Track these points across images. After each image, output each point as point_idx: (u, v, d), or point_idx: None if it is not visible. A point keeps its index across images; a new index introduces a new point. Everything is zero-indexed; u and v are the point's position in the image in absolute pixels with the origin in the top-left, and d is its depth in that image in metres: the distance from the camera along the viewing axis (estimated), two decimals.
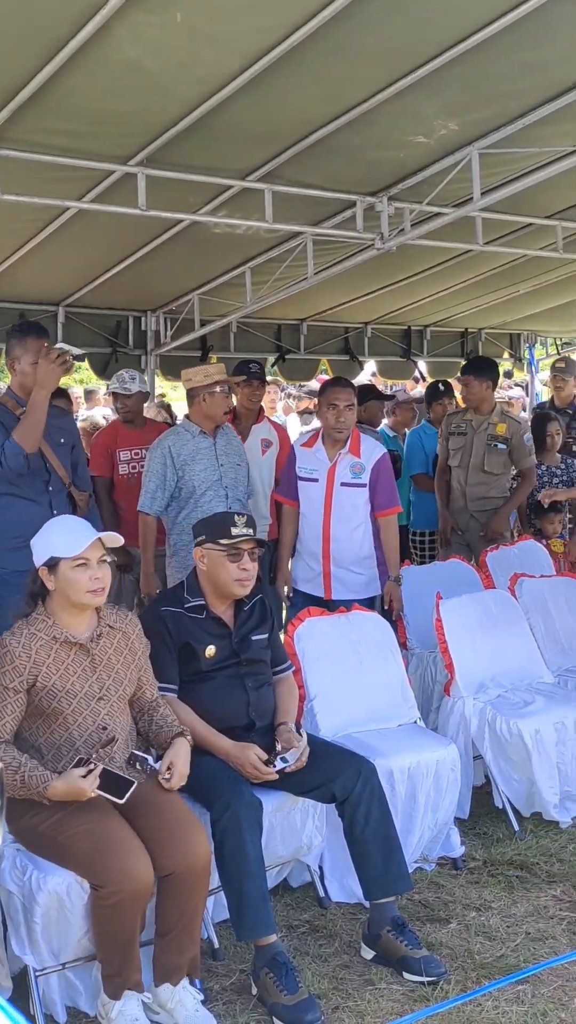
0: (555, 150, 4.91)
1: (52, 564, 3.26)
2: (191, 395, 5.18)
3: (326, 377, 10.86)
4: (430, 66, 4.00)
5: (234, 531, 3.72)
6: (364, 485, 5.07)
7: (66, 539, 3.28)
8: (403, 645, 5.46)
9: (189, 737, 3.43)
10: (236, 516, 3.79)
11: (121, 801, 3.09)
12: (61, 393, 5.61)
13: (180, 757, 3.32)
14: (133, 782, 3.12)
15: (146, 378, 7.78)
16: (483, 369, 6.51)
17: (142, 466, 5.95)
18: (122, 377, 6.19)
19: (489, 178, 5.15)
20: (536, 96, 4.50)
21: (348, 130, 4.49)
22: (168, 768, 3.28)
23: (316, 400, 5.47)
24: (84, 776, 3.04)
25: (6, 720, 3.18)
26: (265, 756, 3.56)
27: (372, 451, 5.14)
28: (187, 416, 5.28)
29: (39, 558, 3.31)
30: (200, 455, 5.11)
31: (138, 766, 3.27)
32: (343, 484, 5.07)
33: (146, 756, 3.30)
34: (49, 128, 4.18)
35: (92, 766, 3.08)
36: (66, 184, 4.77)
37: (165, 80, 3.87)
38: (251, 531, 3.77)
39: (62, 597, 3.27)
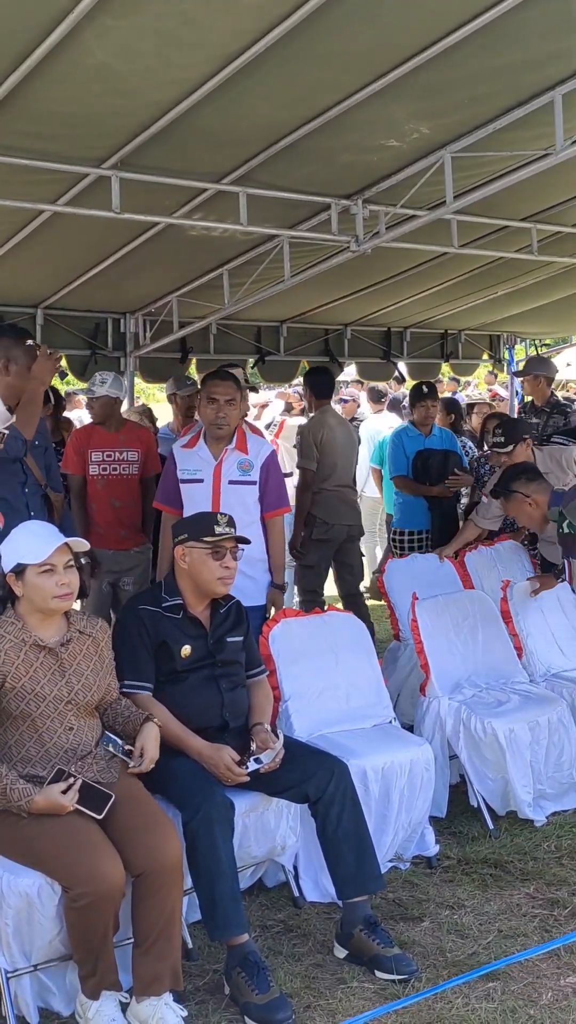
0: (527, 153, 4.94)
1: (19, 571, 3.27)
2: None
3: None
4: (400, 70, 4.02)
5: (217, 529, 3.74)
6: (254, 483, 4.77)
7: (32, 545, 3.28)
8: (396, 636, 5.52)
9: (156, 720, 3.45)
10: (218, 516, 3.82)
11: (99, 816, 3.12)
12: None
13: (150, 740, 3.36)
14: (111, 796, 3.15)
15: (124, 380, 7.81)
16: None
17: (113, 468, 6.01)
18: (93, 380, 6.21)
19: (462, 181, 5.18)
20: (507, 100, 4.53)
21: (320, 134, 4.50)
22: (140, 754, 3.31)
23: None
24: (64, 791, 3.07)
25: None
26: (239, 757, 3.58)
27: (260, 448, 4.86)
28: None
29: (6, 564, 3.32)
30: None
31: (110, 748, 3.30)
32: (231, 482, 4.75)
33: (114, 738, 3.33)
34: (21, 131, 4.18)
35: (71, 780, 3.10)
36: (40, 187, 4.77)
37: (135, 83, 3.88)
38: (232, 530, 3.79)
39: (30, 603, 3.28)
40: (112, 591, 6.01)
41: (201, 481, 4.79)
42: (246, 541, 3.87)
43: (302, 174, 5.05)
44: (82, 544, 3.35)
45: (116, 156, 4.55)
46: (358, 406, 12.52)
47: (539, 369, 7.69)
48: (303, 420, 8.51)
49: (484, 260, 7.17)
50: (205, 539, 3.74)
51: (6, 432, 4.25)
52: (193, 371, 8.49)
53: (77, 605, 4.14)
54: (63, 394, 7.46)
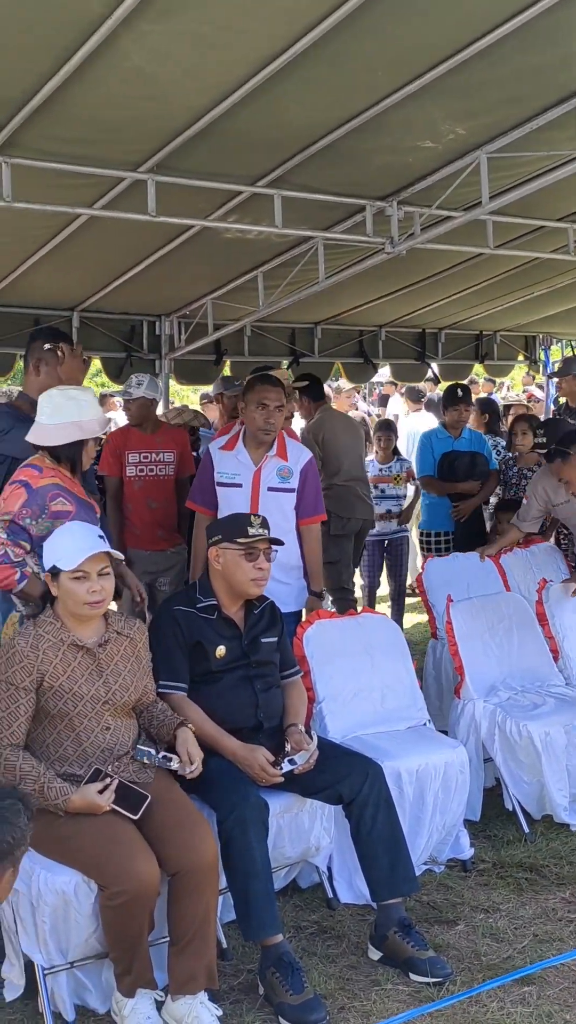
0: (564, 153, 4.92)
1: (54, 572, 3.30)
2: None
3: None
4: (436, 71, 4.02)
5: (251, 531, 3.76)
6: (292, 490, 4.70)
7: (68, 550, 3.30)
8: (433, 635, 5.52)
9: (190, 724, 3.47)
10: (252, 517, 3.84)
11: (135, 817, 3.14)
12: None
13: (192, 744, 3.38)
14: (147, 796, 3.17)
15: (159, 382, 7.85)
16: None
17: (150, 470, 6.04)
18: (129, 382, 6.25)
19: (498, 181, 5.15)
20: (543, 99, 4.51)
21: (356, 135, 4.51)
22: (189, 760, 3.33)
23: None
24: (100, 791, 3.11)
25: (20, 721, 3.22)
26: (273, 758, 3.59)
27: (299, 455, 4.80)
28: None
29: (45, 564, 3.35)
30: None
31: (145, 760, 3.32)
32: (270, 489, 4.68)
33: (149, 749, 3.34)
34: (59, 136, 4.23)
35: (108, 780, 3.13)
36: (77, 191, 4.81)
37: (172, 88, 3.90)
38: (266, 531, 3.80)
39: (64, 605, 3.32)
40: (149, 591, 6.05)
41: (240, 486, 4.72)
42: (279, 543, 3.88)
43: (337, 176, 5.06)
44: (116, 555, 3.37)
45: (152, 160, 4.59)
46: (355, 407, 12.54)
47: None
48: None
49: (520, 260, 7.13)
50: (239, 540, 3.75)
51: (103, 437, 4.22)
52: (227, 372, 8.52)
53: (114, 606, 4.18)
54: (99, 395, 7.51)
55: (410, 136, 4.67)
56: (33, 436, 3.74)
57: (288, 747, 3.64)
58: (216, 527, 3.93)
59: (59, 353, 4.30)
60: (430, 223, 5.53)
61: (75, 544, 3.31)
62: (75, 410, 3.73)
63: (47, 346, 4.31)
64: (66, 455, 3.75)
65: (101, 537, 3.39)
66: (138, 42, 3.51)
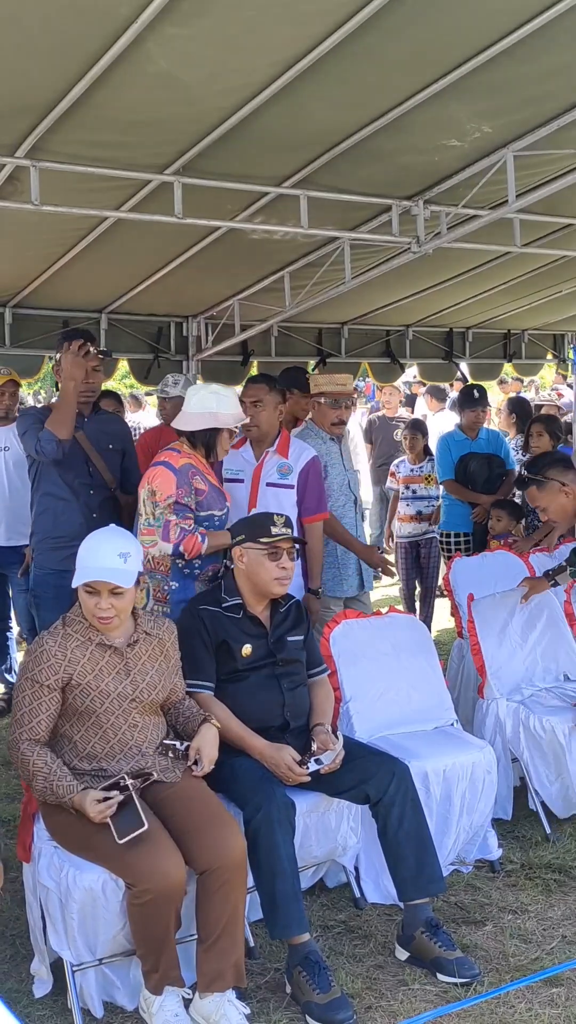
0: None
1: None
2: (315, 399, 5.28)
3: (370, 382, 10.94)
4: (461, 70, 4.02)
5: (274, 530, 3.78)
6: (292, 486, 4.81)
7: (83, 562, 3.30)
8: (459, 634, 5.51)
9: (215, 721, 3.49)
10: (275, 516, 3.86)
11: (119, 841, 3.05)
12: (109, 394, 5.67)
13: (207, 742, 3.40)
14: (143, 826, 3.07)
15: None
16: None
17: None
18: (165, 381, 6.33)
19: (524, 179, 5.14)
20: (569, 97, 4.49)
21: (381, 135, 4.51)
22: (196, 755, 3.35)
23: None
24: (99, 800, 3.10)
25: (40, 718, 3.25)
26: (299, 757, 3.60)
27: (301, 453, 4.88)
28: (312, 420, 5.36)
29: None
30: (332, 458, 5.24)
31: (170, 754, 3.34)
32: (268, 484, 4.80)
33: (174, 742, 3.36)
34: (85, 140, 4.26)
35: (114, 795, 3.12)
36: (104, 194, 4.85)
37: (198, 90, 3.93)
38: (289, 531, 3.82)
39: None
40: None
41: (241, 481, 4.88)
42: (303, 542, 3.90)
43: (362, 176, 5.06)
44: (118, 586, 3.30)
45: (178, 162, 4.62)
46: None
47: None
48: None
49: (547, 259, 7.10)
50: (261, 540, 3.77)
51: (236, 431, 4.44)
52: (254, 372, 8.54)
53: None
54: (128, 396, 7.48)
55: (436, 135, 4.67)
56: (177, 422, 4.34)
57: (314, 746, 3.65)
58: (240, 527, 3.96)
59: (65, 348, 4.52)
60: (456, 222, 5.52)
61: (91, 559, 3.30)
62: (214, 402, 4.25)
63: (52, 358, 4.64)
64: (201, 441, 4.28)
65: (121, 556, 3.29)
66: (164, 45, 3.53)
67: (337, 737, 3.71)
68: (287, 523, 3.84)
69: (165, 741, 3.37)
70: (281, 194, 5.09)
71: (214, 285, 7.04)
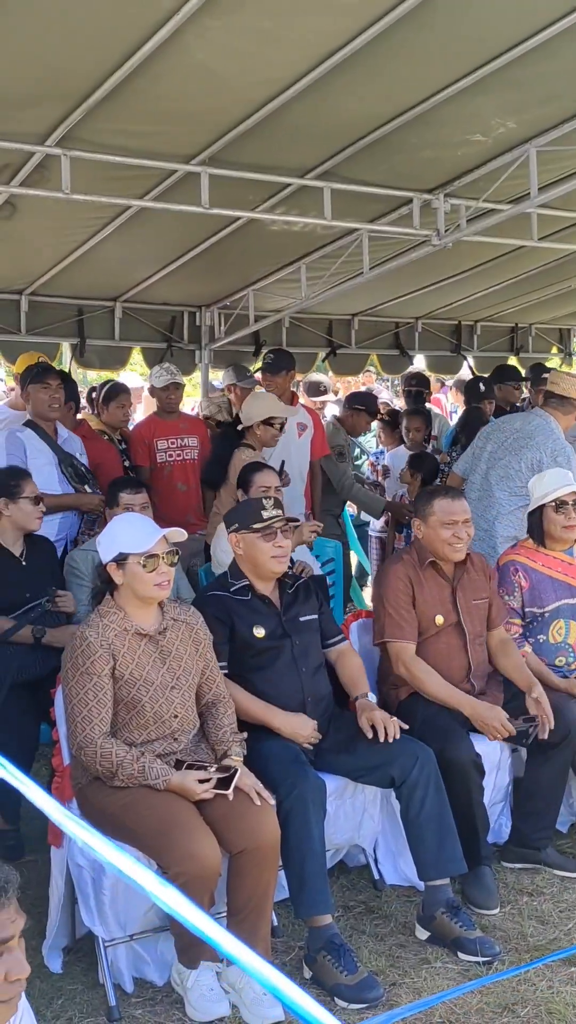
0: None
1: (120, 560, 3.38)
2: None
3: (373, 372, 10.96)
4: (490, 66, 4.07)
5: (265, 514, 3.83)
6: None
7: (133, 536, 3.38)
8: None
9: (234, 756, 3.43)
10: (264, 500, 3.91)
11: (228, 791, 3.21)
12: (58, 374, 5.73)
13: (247, 773, 3.36)
14: (234, 769, 3.25)
15: (199, 372, 7.97)
16: None
17: (178, 454, 6.36)
18: (164, 369, 6.56)
19: (545, 174, 5.19)
20: None
21: (407, 129, 4.56)
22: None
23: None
24: (200, 780, 3.21)
25: (107, 709, 3.27)
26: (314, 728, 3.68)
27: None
28: None
29: (107, 554, 3.42)
30: None
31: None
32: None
33: (204, 765, 3.37)
34: (116, 129, 4.30)
35: (212, 770, 3.24)
36: (130, 183, 4.89)
37: (231, 82, 3.97)
38: (280, 511, 3.88)
39: (130, 591, 3.39)
40: (187, 575, 6.17)
41: None
42: (295, 520, 3.96)
43: (384, 169, 5.11)
44: (180, 534, 3.46)
45: (205, 152, 4.65)
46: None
47: None
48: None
49: (560, 253, 7.16)
50: (254, 527, 3.82)
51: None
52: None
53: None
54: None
55: (461, 130, 4.73)
56: None
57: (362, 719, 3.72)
58: (232, 515, 4.01)
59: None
60: (475, 215, 5.57)
61: (140, 530, 3.40)
62: None
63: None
64: None
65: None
66: (202, 37, 3.58)
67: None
68: (276, 504, 3.90)
69: (191, 764, 3.36)
70: (304, 185, 5.14)
71: (230, 275, 7.07)
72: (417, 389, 8.41)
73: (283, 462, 6.03)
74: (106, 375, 8.15)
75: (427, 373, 9.54)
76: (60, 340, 7.16)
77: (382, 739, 3.67)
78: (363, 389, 9.76)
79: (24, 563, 4.42)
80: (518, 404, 7.92)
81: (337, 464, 6.81)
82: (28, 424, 5.23)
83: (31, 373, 5.33)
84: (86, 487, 5.21)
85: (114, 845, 1.41)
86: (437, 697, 4.01)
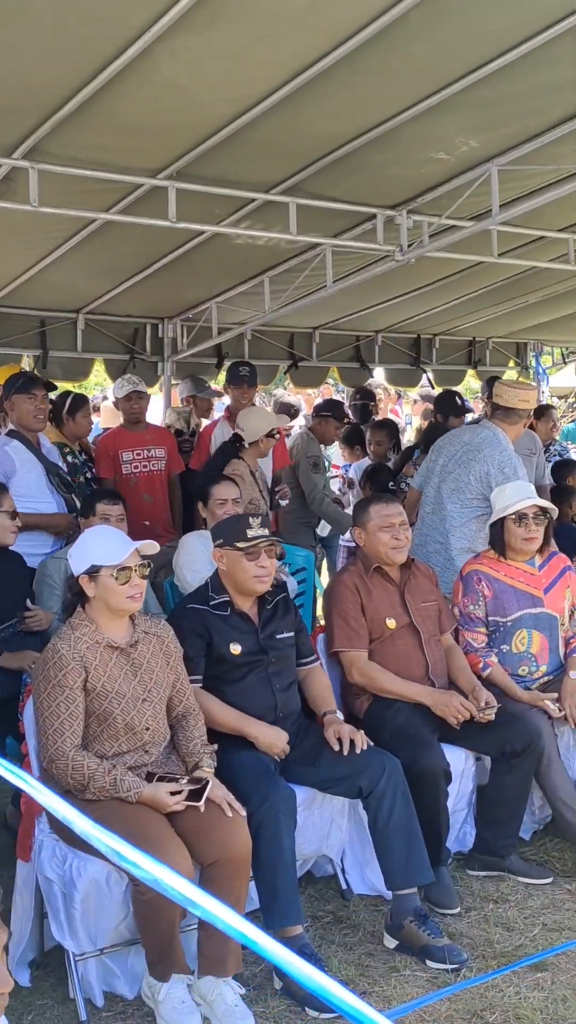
0: (570, 167, 5.06)
1: (93, 572, 3.37)
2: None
3: (331, 385, 11.07)
4: (454, 87, 4.15)
5: (250, 533, 3.84)
6: None
7: (106, 548, 3.39)
8: None
9: (206, 768, 3.45)
10: (251, 519, 3.91)
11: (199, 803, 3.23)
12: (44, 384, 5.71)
13: (217, 788, 3.37)
14: (206, 781, 3.27)
15: (161, 384, 7.98)
16: None
17: (144, 465, 6.36)
18: (128, 380, 6.56)
19: (506, 192, 5.29)
20: (555, 115, 4.66)
21: (372, 147, 4.63)
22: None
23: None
24: (172, 793, 3.21)
25: (79, 721, 3.27)
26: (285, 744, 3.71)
27: None
28: None
29: (79, 567, 3.42)
30: None
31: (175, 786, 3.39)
32: None
33: (176, 777, 3.38)
34: (84, 143, 4.32)
35: (184, 782, 3.25)
36: (97, 196, 4.90)
37: (200, 99, 4.01)
38: (266, 531, 3.90)
39: (102, 604, 3.39)
40: (152, 587, 6.16)
41: None
42: (278, 540, 3.99)
43: (349, 185, 5.17)
44: (152, 547, 3.47)
45: (173, 167, 4.68)
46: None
47: None
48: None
49: (518, 269, 7.28)
50: (238, 544, 3.84)
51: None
52: (222, 378, 8.60)
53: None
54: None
55: (425, 148, 4.80)
56: None
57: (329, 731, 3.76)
58: (218, 530, 4.03)
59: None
60: (437, 231, 5.66)
61: (113, 542, 3.41)
62: None
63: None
64: None
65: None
66: (172, 55, 3.61)
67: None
68: (263, 523, 3.91)
69: (163, 775, 3.37)
70: (269, 200, 5.18)
71: (193, 288, 7.10)
72: (362, 402, 8.56)
73: (279, 476, 6.16)
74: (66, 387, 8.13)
75: (388, 385, 9.65)
76: (22, 351, 7.15)
77: (347, 752, 3.71)
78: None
79: None
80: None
81: (311, 474, 6.86)
82: (12, 435, 5.18)
83: (16, 383, 5.28)
84: (73, 496, 5.19)
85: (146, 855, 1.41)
86: (394, 692, 4.09)
